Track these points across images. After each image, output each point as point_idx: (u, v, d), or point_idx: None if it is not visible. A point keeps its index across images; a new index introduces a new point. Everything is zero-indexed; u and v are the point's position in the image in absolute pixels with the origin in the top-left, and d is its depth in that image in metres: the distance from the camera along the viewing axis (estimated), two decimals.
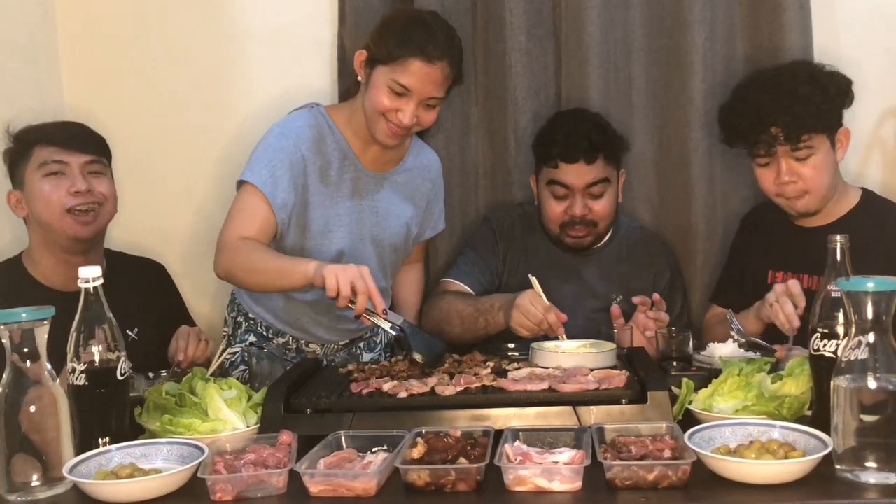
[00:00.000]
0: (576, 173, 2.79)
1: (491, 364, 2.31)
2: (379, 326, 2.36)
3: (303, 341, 2.92)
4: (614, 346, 2.35)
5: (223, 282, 3.12)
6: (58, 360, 1.91)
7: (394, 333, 2.32)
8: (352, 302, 2.26)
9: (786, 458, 1.71)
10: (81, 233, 2.59)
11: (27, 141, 2.60)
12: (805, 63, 2.77)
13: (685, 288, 3.05)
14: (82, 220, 2.59)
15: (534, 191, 2.98)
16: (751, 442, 1.79)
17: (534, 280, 2.61)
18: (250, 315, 2.93)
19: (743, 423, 1.87)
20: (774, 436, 1.81)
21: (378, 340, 3.04)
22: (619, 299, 2.87)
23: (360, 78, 2.69)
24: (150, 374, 2.47)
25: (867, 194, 2.75)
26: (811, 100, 2.58)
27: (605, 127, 2.89)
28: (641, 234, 3.03)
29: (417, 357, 2.29)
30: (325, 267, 2.27)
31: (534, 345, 2.36)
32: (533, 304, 2.56)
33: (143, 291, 2.78)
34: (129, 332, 2.65)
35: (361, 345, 3.01)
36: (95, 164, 2.64)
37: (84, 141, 2.64)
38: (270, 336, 2.90)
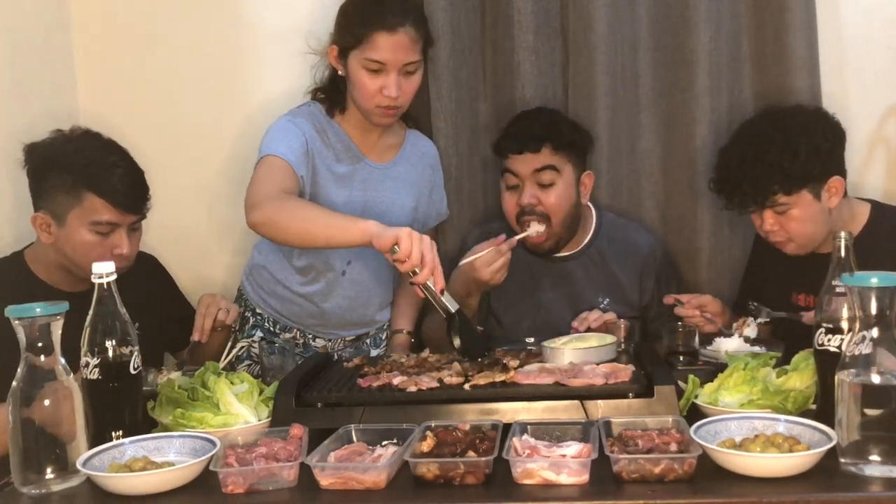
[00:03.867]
0: (522, 162, 2.82)
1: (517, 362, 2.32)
2: (431, 302, 2.33)
3: (310, 336, 2.95)
4: (614, 338, 2.36)
5: (230, 278, 3.16)
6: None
7: (443, 315, 2.30)
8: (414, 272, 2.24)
9: (790, 451, 1.73)
10: None
11: (76, 178, 2.47)
12: (787, 119, 2.68)
13: (679, 279, 3.04)
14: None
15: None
16: (756, 436, 1.81)
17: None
18: (258, 310, 2.96)
19: (748, 416, 1.89)
20: (779, 429, 1.83)
21: (384, 338, 3.06)
22: (605, 302, 2.88)
23: (340, 72, 2.74)
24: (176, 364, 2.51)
25: (875, 209, 2.72)
26: (779, 164, 2.56)
27: (558, 122, 2.90)
28: (624, 232, 3.00)
29: (456, 342, 2.27)
30: (401, 230, 2.21)
31: (544, 343, 2.38)
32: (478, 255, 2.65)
33: (142, 285, 2.70)
34: None
35: (368, 341, 3.03)
36: (138, 222, 2.60)
37: (138, 200, 2.56)
38: (277, 331, 2.93)
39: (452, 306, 2.28)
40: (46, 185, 2.52)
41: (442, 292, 2.26)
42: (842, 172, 2.64)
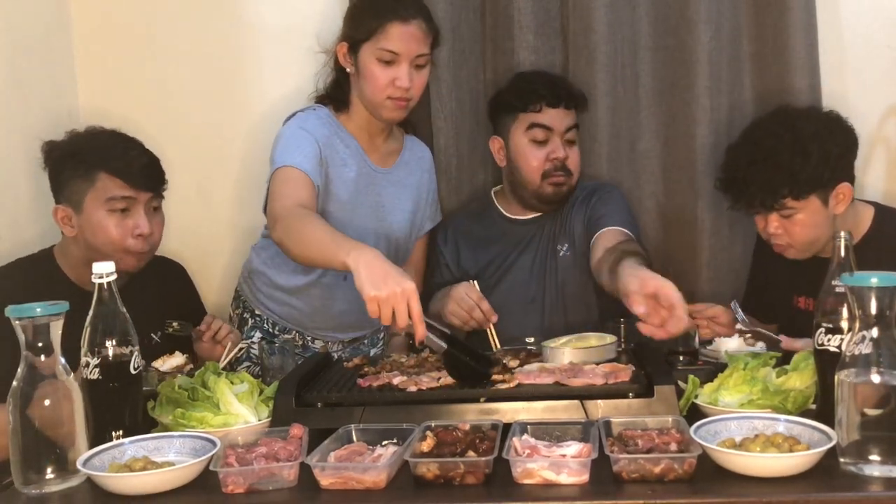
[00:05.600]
0: (558, 117, 2.87)
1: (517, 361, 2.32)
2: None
3: (309, 338, 2.95)
4: (614, 338, 2.36)
5: (228, 279, 3.17)
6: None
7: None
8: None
9: (790, 451, 1.73)
10: (133, 267, 2.56)
11: (89, 163, 2.51)
12: (800, 121, 2.64)
13: (626, 202, 2.99)
14: (138, 258, 2.55)
15: (495, 154, 3.00)
16: (756, 435, 1.81)
17: (474, 282, 2.74)
18: (256, 311, 2.96)
19: (748, 416, 1.89)
20: (779, 429, 1.83)
21: (381, 337, 3.07)
22: (564, 248, 2.91)
23: (349, 69, 2.76)
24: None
25: (879, 212, 2.70)
26: (789, 168, 2.53)
27: (572, 85, 2.99)
28: (584, 189, 2.99)
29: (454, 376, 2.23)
30: (368, 291, 2.06)
31: (544, 343, 2.38)
32: (467, 294, 2.66)
33: (165, 294, 2.75)
34: (153, 335, 2.64)
35: (366, 342, 3.04)
36: (156, 199, 2.61)
37: (151, 178, 2.58)
38: (276, 332, 2.93)
39: (438, 348, 2.18)
40: (63, 176, 2.55)
41: (421, 343, 2.15)
42: (851, 178, 2.62)
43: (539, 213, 2.98)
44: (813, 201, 2.56)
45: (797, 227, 2.59)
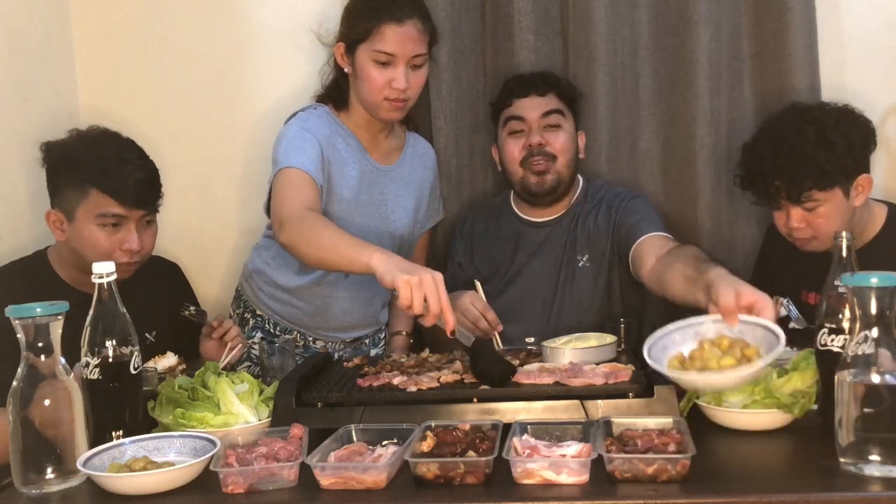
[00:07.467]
0: (529, 106, 2.86)
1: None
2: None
3: (310, 338, 2.95)
4: (614, 338, 2.36)
5: (229, 278, 3.17)
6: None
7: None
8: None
9: (742, 355, 1.89)
10: (121, 276, 2.56)
11: (83, 175, 2.49)
12: (819, 114, 2.66)
13: (655, 207, 2.95)
14: (124, 270, 2.50)
15: (496, 160, 3.00)
16: (700, 342, 1.93)
17: (478, 284, 2.68)
18: (258, 312, 2.96)
19: (689, 324, 2.02)
20: (722, 330, 1.97)
21: (382, 337, 3.07)
22: (584, 258, 2.88)
23: (346, 69, 2.76)
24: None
25: (892, 211, 2.71)
26: (815, 159, 2.53)
27: (557, 77, 2.98)
28: (605, 191, 2.96)
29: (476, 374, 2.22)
30: (399, 276, 2.13)
31: (544, 343, 2.38)
32: (473, 304, 2.61)
33: (159, 293, 2.74)
34: (147, 335, 2.62)
35: (367, 342, 3.04)
36: (150, 215, 2.59)
37: (145, 196, 2.55)
38: (277, 332, 2.92)
39: (467, 341, 2.23)
40: (59, 182, 2.55)
41: (453, 333, 2.18)
42: (869, 170, 2.63)
43: (552, 217, 2.95)
44: (836, 193, 2.56)
45: (820, 219, 2.58)
